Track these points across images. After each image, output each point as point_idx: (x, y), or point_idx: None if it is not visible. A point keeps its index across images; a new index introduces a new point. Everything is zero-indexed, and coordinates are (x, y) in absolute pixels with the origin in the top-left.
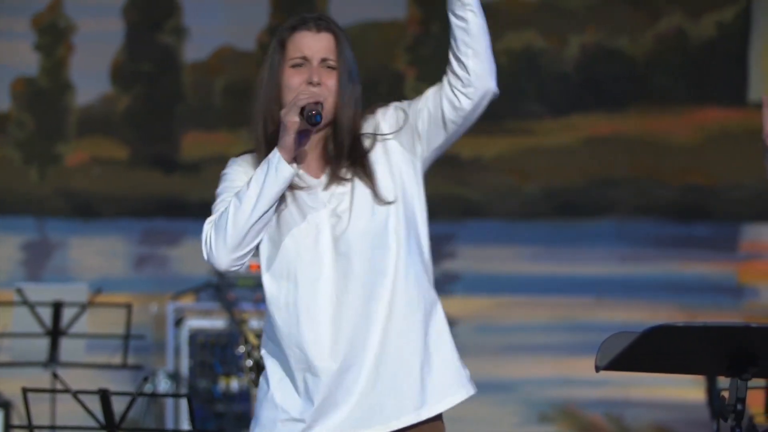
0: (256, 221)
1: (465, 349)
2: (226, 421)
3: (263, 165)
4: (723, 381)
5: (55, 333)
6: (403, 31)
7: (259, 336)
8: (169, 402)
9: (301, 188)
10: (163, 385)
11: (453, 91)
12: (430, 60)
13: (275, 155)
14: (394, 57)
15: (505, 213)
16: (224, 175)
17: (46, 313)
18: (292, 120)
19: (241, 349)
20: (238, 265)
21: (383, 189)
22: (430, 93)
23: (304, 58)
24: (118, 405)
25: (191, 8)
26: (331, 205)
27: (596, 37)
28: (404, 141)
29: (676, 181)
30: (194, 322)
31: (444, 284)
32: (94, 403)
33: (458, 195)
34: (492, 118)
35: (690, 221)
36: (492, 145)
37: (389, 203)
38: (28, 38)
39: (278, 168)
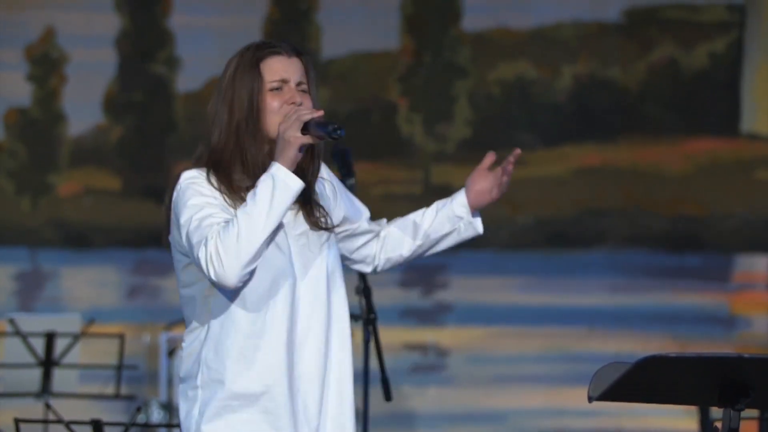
0: (267, 237)
1: (457, 380)
2: None
3: (267, 180)
4: (716, 411)
5: (48, 363)
6: (396, 62)
7: None
8: None
9: None
10: (156, 415)
11: (358, 259)
12: (423, 90)
13: (280, 170)
14: (386, 87)
15: (497, 243)
16: (191, 190)
17: (39, 344)
18: (295, 135)
19: None
20: (244, 281)
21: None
22: (357, 227)
23: (283, 81)
24: None
25: (184, 38)
26: (297, 230)
27: (588, 67)
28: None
29: (667, 212)
30: None
31: (436, 315)
32: None
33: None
34: (484, 148)
35: (682, 251)
36: None
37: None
38: (21, 69)
39: (287, 182)
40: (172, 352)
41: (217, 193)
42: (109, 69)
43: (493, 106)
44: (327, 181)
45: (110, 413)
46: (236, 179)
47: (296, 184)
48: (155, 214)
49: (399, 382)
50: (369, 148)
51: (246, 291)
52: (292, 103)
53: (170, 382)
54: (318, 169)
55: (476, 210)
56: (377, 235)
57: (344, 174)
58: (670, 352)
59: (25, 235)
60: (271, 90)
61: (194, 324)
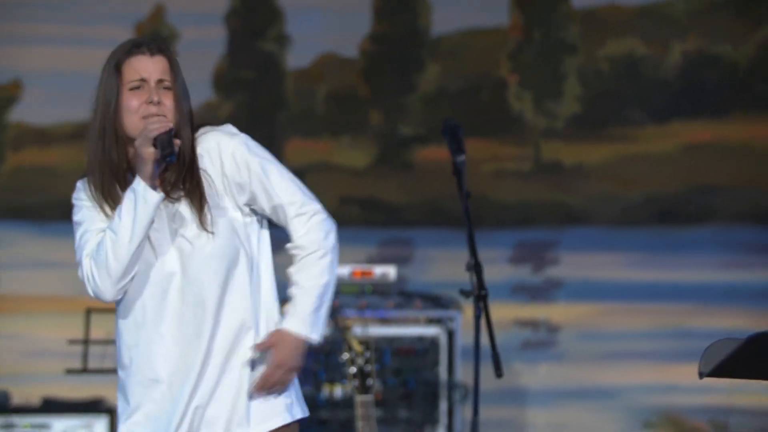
0: (135, 250)
1: (567, 356)
2: (330, 428)
3: (129, 195)
4: None
5: None
6: (505, 38)
7: (362, 343)
8: None
9: None
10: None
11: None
12: (533, 66)
13: (140, 184)
14: (496, 64)
15: (606, 220)
16: (75, 206)
17: None
18: (147, 151)
19: (345, 356)
20: (120, 295)
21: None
22: (275, 206)
23: (142, 80)
24: None
25: (293, 16)
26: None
27: (698, 43)
28: (233, 188)
29: None
30: None
31: (547, 291)
32: None
33: (560, 202)
34: (594, 125)
35: None
36: (593, 152)
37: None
38: None
39: (146, 197)
40: None
41: (91, 203)
42: (219, 46)
43: (603, 82)
44: (216, 168)
45: None
46: (107, 182)
47: (155, 198)
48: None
49: (509, 359)
50: (479, 125)
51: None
52: (150, 102)
53: None
54: (188, 174)
55: None
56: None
57: (454, 150)
58: None
59: None
60: (131, 89)
61: None
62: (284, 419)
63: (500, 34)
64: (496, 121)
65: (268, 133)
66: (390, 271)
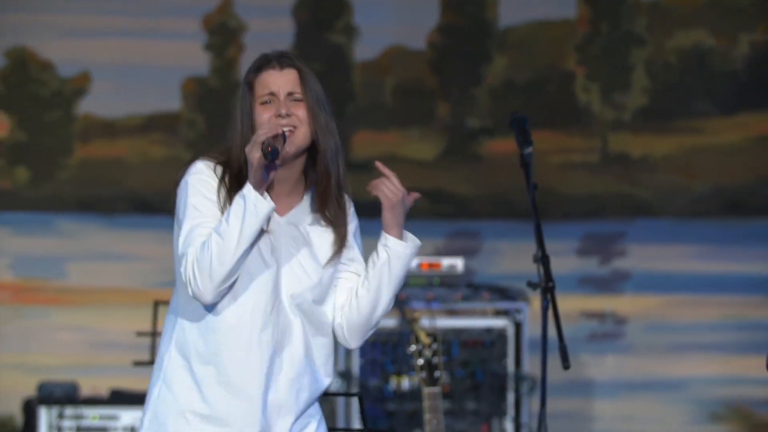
0: (240, 257)
1: (635, 348)
2: (397, 420)
3: (239, 201)
4: None
5: None
6: (573, 30)
7: (430, 335)
8: (341, 401)
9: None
10: (334, 384)
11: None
12: (600, 59)
13: (251, 192)
14: (563, 56)
15: (674, 212)
16: (193, 186)
17: None
18: (255, 156)
19: (413, 347)
20: (220, 297)
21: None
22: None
23: (272, 95)
24: None
25: (361, 8)
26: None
27: (766, 34)
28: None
29: None
30: None
31: (614, 282)
32: None
33: (628, 194)
34: (661, 117)
35: None
36: (661, 144)
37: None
38: (199, 39)
39: (256, 205)
40: None
41: (215, 189)
42: (287, 38)
43: (670, 74)
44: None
45: None
46: (240, 182)
47: (265, 207)
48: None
49: (577, 350)
50: (546, 117)
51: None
52: (278, 115)
53: (348, 351)
54: (328, 179)
55: (394, 230)
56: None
57: (521, 142)
58: None
59: None
60: (262, 104)
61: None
62: None
63: (568, 26)
64: (564, 113)
65: (336, 125)
66: (458, 263)
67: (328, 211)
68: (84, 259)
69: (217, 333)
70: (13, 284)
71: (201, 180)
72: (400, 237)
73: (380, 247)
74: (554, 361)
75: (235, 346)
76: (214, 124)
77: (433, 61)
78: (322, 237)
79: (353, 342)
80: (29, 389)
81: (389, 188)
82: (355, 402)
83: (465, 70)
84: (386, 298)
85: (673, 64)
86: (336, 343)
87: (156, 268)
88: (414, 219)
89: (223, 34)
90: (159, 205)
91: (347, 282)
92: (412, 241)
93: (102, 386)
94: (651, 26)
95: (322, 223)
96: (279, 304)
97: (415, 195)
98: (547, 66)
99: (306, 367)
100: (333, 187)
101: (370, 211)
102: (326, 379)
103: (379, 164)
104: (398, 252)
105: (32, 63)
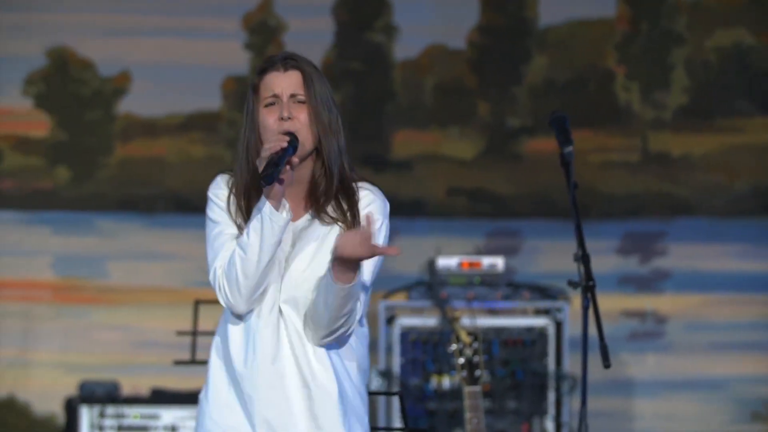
0: (264, 267)
1: (675, 346)
2: (438, 419)
3: (257, 215)
4: None
5: None
6: (613, 29)
7: (471, 334)
8: (381, 400)
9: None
10: (375, 383)
11: None
12: (640, 58)
13: (266, 206)
14: (603, 55)
15: (714, 211)
16: (210, 201)
17: None
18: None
19: (453, 346)
20: (253, 306)
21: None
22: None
23: (275, 96)
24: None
25: (401, 7)
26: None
27: None
28: None
29: None
30: (406, 320)
31: (654, 282)
32: None
33: (668, 193)
34: (701, 116)
35: None
36: (701, 143)
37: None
38: (239, 37)
39: (272, 218)
40: (390, 320)
41: (227, 202)
42: (327, 37)
43: (710, 73)
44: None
45: None
46: (248, 188)
47: (281, 220)
48: (374, 182)
49: (617, 349)
50: (586, 116)
51: None
52: (281, 118)
53: (389, 350)
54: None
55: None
56: None
57: (562, 141)
58: None
59: None
60: (266, 106)
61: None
62: None
63: (607, 25)
64: (604, 112)
65: (375, 125)
66: (498, 262)
67: (329, 209)
68: (124, 258)
69: (231, 335)
70: (53, 283)
71: (216, 193)
72: (343, 280)
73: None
74: (594, 360)
75: (269, 346)
76: None
77: (473, 61)
78: (335, 234)
79: (316, 341)
80: (70, 388)
81: (359, 246)
82: (395, 401)
83: (505, 70)
84: (328, 315)
85: (713, 63)
86: (376, 343)
87: (196, 267)
88: (454, 218)
89: (263, 33)
90: (199, 204)
91: None
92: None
93: (143, 385)
94: (691, 25)
95: (323, 217)
96: (278, 304)
97: (393, 251)
98: (587, 65)
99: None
100: (333, 187)
101: (408, 210)
102: (353, 371)
103: (368, 218)
104: (336, 289)
105: (72, 62)
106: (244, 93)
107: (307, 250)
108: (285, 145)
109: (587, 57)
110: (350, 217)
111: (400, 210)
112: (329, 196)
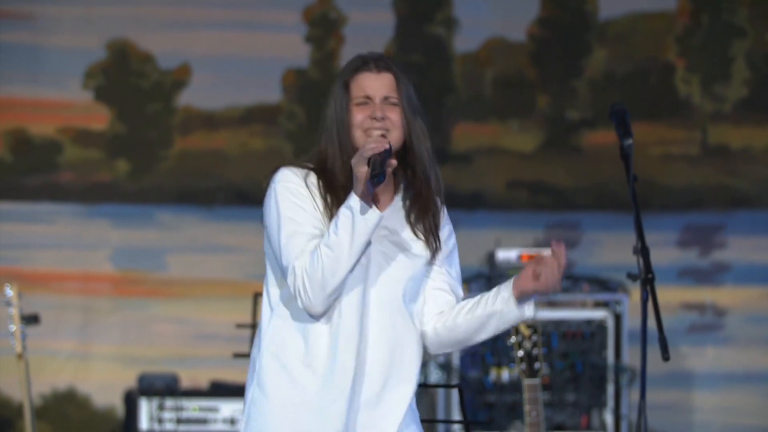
0: (352, 268)
1: (734, 339)
2: (497, 411)
3: (346, 213)
4: None
5: None
6: (673, 22)
7: (530, 326)
8: (441, 392)
9: None
10: (435, 375)
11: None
12: (700, 51)
13: (357, 203)
14: (663, 48)
15: None
16: (282, 195)
17: None
18: (361, 170)
19: (512, 339)
20: (329, 307)
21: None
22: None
23: (367, 97)
24: None
25: (461, 0)
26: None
27: None
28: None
29: None
30: None
31: (714, 274)
32: None
33: (728, 185)
34: (762, 109)
35: None
36: (761, 135)
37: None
38: (299, 30)
39: (365, 216)
40: None
41: (308, 197)
42: (387, 30)
43: None
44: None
45: None
46: (335, 184)
47: (374, 217)
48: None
49: (676, 342)
50: (646, 109)
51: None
52: (373, 117)
53: None
54: (425, 177)
55: (523, 297)
56: (447, 303)
57: (622, 134)
58: None
59: None
60: (357, 105)
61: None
62: None
63: (668, 18)
64: (664, 104)
65: (436, 117)
66: None
67: (427, 218)
68: (184, 250)
69: (309, 333)
70: (113, 276)
71: (289, 188)
72: (526, 311)
73: (500, 300)
74: (654, 352)
75: (326, 346)
76: (313, 116)
77: (533, 53)
78: (415, 237)
79: (438, 353)
80: (130, 381)
81: (551, 277)
82: (455, 393)
83: (565, 62)
84: (479, 339)
85: None
86: None
87: (256, 259)
88: (514, 210)
89: (323, 26)
90: (259, 197)
91: (441, 291)
92: (528, 311)
93: (202, 378)
94: (752, 18)
95: (418, 226)
96: (368, 302)
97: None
98: (647, 58)
99: (392, 361)
100: (433, 194)
101: (468, 203)
102: (414, 374)
103: (556, 246)
104: (512, 318)
105: (132, 55)
106: (304, 86)
107: (388, 252)
108: (387, 146)
109: (647, 50)
110: (433, 237)
111: (459, 203)
112: (430, 205)
